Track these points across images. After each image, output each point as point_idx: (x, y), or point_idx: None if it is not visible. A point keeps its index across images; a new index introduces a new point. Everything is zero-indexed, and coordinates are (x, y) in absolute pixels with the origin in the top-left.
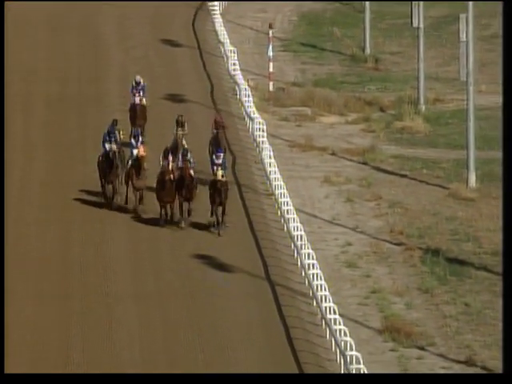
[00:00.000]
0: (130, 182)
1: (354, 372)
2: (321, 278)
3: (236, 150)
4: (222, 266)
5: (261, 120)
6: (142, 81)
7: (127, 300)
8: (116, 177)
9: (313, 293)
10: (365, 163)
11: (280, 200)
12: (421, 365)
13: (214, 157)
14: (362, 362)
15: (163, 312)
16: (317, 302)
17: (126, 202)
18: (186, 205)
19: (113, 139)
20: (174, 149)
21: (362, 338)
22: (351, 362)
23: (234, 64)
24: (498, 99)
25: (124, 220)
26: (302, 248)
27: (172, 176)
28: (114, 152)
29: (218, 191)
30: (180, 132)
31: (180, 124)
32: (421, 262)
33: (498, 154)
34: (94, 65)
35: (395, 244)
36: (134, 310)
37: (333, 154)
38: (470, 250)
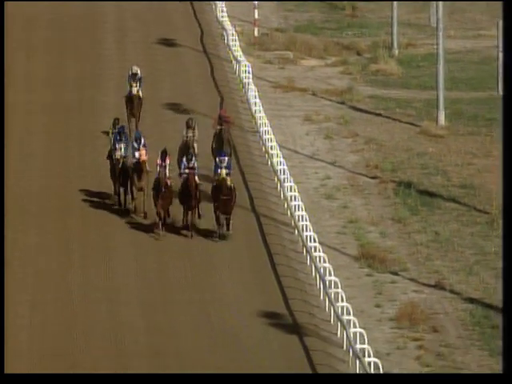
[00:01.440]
0: (131, 185)
1: (332, 295)
2: (302, 209)
3: (224, 91)
4: (209, 198)
5: (246, 63)
6: (139, 71)
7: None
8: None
9: (294, 223)
10: (342, 103)
11: (264, 137)
12: (394, 288)
13: (217, 160)
14: (339, 286)
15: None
16: (298, 231)
17: (124, 206)
18: (190, 214)
19: (123, 139)
20: (183, 151)
21: (339, 264)
22: (330, 287)
23: (222, 11)
24: (465, 44)
25: (126, 224)
26: (284, 181)
27: (168, 182)
28: (126, 157)
29: (223, 201)
30: (190, 135)
31: (190, 127)
32: (394, 194)
33: (465, 95)
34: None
35: (370, 177)
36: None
37: (313, 94)
38: (439, 183)
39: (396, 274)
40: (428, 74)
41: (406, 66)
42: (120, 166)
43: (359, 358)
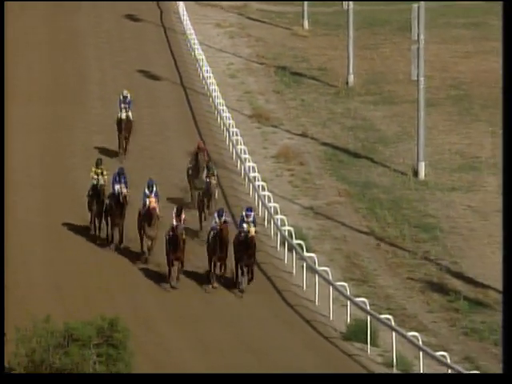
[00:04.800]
0: (142, 231)
1: (234, 141)
2: (214, 84)
3: (163, 7)
4: (155, 77)
5: None
6: (129, 95)
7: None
8: (123, 220)
9: (210, 93)
10: (241, 14)
11: (191, 37)
12: (275, 136)
13: (243, 215)
14: (239, 134)
15: None
16: (212, 99)
17: (143, 251)
18: (218, 268)
19: (123, 180)
20: (205, 195)
21: (239, 120)
22: (233, 134)
23: None
24: None
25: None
26: (202, 65)
27: (183, 239)
28: (125, 196)
29: (248, 256)
30: (213, 181)
31: (209, 168)
32: (275, 74)
33: (325, 9)
34: None
35: (259, 63)
36: None
37: (222, 8)
38: (304, 67)
39: (276, 126)
40: None
41: None
42: (112, 200)
43: (252, 182)
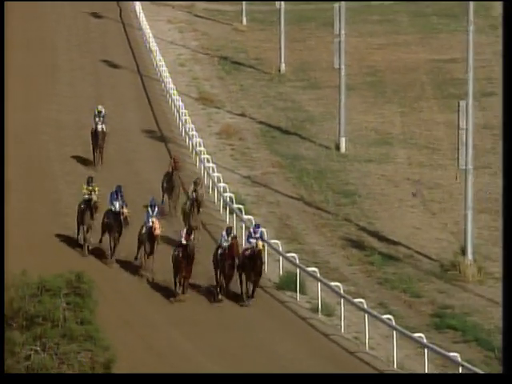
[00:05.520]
0: (143, 248)
1: (183, 120)
2: (166, 72)
3: (123, 7)
4: (116, 66)
5: None
6: (103, 110)
7: None
8: (120, 235)
9: (162, 79)
10: (189, 12)
11: (147, 31)
12: (218, 116)
13: (251, 231)
14: (187, 114)
15: None
16: (164, 84)
17: (141, 266)
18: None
19: (120, 198)
20: (193, 206)
21: (187, 103)
22: (182, 115)
23: None
24: None
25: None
26: (156, 55)
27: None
28: (126, 216)
29: (256, 272)
30: (200, 192)
31: (196, 184)
32: (218, 63)
33: (261, 8)
34: None
35: (205, 54)
36: None
37: (173, 7)
38: (243, 57)
39: (219, 108)
40: None
41: None
42: (109, 216)
43: (198, 155)
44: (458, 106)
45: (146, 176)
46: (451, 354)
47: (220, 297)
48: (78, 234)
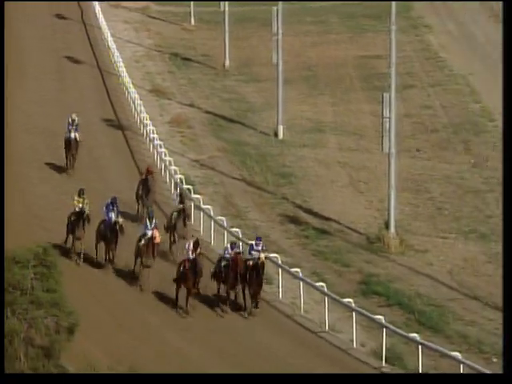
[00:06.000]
0: (140, 259)
1: (138, 109)
2: (122, 66)
3: (84, 8)
4: (77, 61)
5: None
6: (76, 119)
7: None
8: (116, 244)
9: (119, 72)
10: (144, 13)
11: (105, 31)
12: (169, 107)
13: (253, 243)
14: (142, 105)
15: None
16: (121, 77)
17: (134, 274)
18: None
19: (115, 209)
20: (179, 218)
21: (141, 94)
22: (137, 105)
23: None
24: None
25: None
26: (114, 52)
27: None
28: (121, 225)
29: (257, 282)
30: (187, 205)
31: (181, 196)
32: (169, 59)
33: (208, 9)
34: None
35: (157, 51)
36: None
37: (130, 10)
38: (192, 54)
39: (170, 99)
40: None
41: None
42: (106, 227)
43: (152, 141)
44: (382, 97)
45: (104, 162)
46: (376, 316)
47: (228, 306)
48: (66, 243)
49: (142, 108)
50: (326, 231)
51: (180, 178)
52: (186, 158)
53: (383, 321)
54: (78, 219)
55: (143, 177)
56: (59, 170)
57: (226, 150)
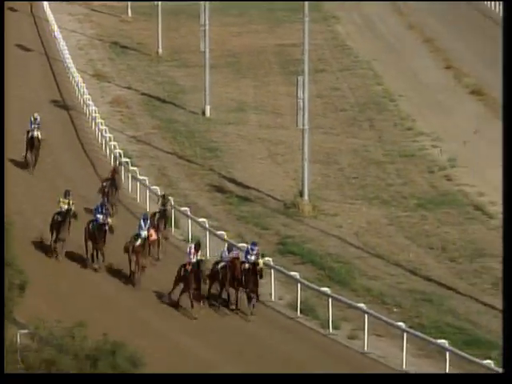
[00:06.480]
0: (134, 258)
1: (82, 92)
2: (68, 54)
3: (33, 2)
4: (27, 49)
5: None
6: (38, 118)
7: None
8: (104, 243)
9: (64, 60)
10: (94, 10)
11: (52, 22)
12: (109, 89)
13: (249, 248)
14: (85, 87)
15: None
16: (67, 65)
17: (131, 275)
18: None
19: (105, 211)
20: (161, 219)
21: (85, 79)
22: (81, 88)
23: None
24: None
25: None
26: (59, 41)
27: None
28: (111, 226)
29: (254, 282)
30: (169, 208)
31: (164, 198)
32: (109, 47)
33: (143, 4)
34: None
35: (99, 40)
36: None
37: (73, 2)
38: (129, 42)
39: (110, 82)
40: None
41: None
42: (95, 227)
43: (94, 120)
44: (297, 80)
45: (52, 140)
46: (292, 273)
47: (233, 307)
48: (51, 242)
49: (85, 90)
50: (248, 198)
51: (119, 152)
52: (124, 135)
53: (298, 277)
54: (63, 220)
55: (109, 176)
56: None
57: (160, 127)
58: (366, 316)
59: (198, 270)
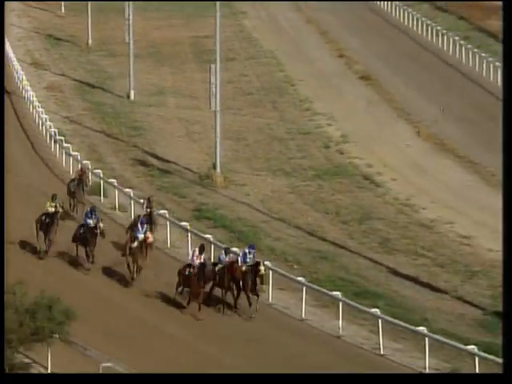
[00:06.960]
0: (131, 258)
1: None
2: (8, 45)
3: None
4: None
5: None
6: None
7: None
8: (94, 246)
9: (6, 51)
10: (31, 6)
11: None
12: (45, 75)
13: (246, 251)
14: (24, 74)
15: None
16: (18, 73)
17: (132, 277)
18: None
19: (93, 216)
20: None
21: (24, 67)
22: (20, 75)
23: None
24: None
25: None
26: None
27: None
28: (102, 230)
29: (255, 282)
30: (154, 212)
31: (150, 201)
32: (45, 39)
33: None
34: None
35: (36, 32)
36: None
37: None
38: (63, 34)
39: (46, 70)
40: None
41: None
42: (85, 230)
43: (32, 103)
44: (210, 68)
45: None
46: (206, 235)
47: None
48: (38, 240)
49: (24, 77)
50: (168, 171)
51: (54, 131)
52: (58, 116)
53: (211, 239)
54: (51, 222)
55: (77, 176)
56: None
57: (90, 109)
58: (271, 272)
59: (202, 272)
